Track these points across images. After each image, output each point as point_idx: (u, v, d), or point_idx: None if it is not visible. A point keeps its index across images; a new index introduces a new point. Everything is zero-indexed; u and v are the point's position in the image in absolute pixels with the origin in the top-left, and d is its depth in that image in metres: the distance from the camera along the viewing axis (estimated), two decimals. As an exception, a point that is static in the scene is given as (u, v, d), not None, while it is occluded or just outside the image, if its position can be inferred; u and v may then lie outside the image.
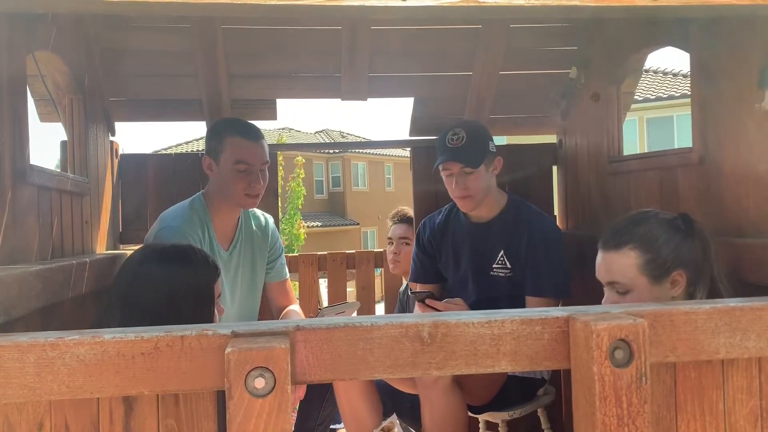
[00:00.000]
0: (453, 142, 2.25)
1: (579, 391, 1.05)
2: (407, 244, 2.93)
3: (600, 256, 1.63)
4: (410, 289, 2.93)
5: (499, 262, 2.31)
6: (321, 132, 27.95)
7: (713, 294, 1.54)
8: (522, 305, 2.25)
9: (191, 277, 1.56)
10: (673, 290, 1.54)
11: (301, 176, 15.65)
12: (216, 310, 1.64)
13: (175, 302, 1.50)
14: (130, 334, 0.99)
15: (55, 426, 1.02)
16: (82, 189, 2.32)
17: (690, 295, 1.55)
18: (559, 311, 1.08)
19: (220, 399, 0.99)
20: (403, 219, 3.01)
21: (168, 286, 1.52)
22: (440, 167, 2.29)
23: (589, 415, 1.02)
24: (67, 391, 0.98)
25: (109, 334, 0.99)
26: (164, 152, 16.56)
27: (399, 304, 3.10)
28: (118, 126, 2.79)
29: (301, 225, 15.36)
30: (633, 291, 1.56)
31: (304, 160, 16.07)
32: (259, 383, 0.94)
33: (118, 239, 2.81)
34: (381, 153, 26.43)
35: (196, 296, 1.55)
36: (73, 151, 2.38)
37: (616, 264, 1.58)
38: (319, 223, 23.28)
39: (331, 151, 25.38)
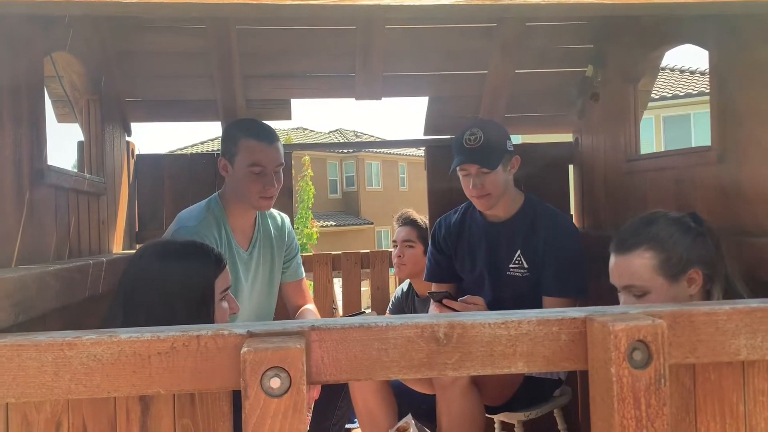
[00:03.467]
0: (470, 143, 2.23)
1: (596, 393, 1.04)
2: (411, 246, 2.89)
3: (613, 261, 1.61)
4: (416, 292, 2.92)
5: (516, 261, 2.30)
6: (335, 131, 27.99)
7: (730, 292, 1.52)
8: (538, 305, 2.24)
9: (184, 273, 1.54)
10: (690, 288, 1.52)
11: (310, 175, 15.65)
12: (227, 305, 1.62)
13: (169, 298, 1.49)
14: (147, 333, 1.00)
15: (72, 425, 1.03)
16: (99, 189, 2.33)
17: (707, 294, 1.53)
18: (576, 312, 1.07)
19: (236, 399, 0.99)
20: (407, 221, 2.96)
21: (161, 282, 1.51)
22: (457, 168, 2.28)
23: (607, 417, 1.01)
24: (84, 391, 0.99)
25: (125, 334, 1.00)
26: (180, 152, 16.66)
27: (393, 305, 3.04)
28: (134, 126, 2.82)
29: (314, 224, 15.38)
30: (651, 293, 1.54)
31: (310, 159, 16.04)
32: (275, 383, 0.94)
33: (135, 239, 2.83)
34: (395, 152, 26.40)
35: (190, 292, 1.53)
36: (89, 152, 2.40)
37: (631, 267, 1.56)
38: (333, 223, 23.31)
39: (345, 150, 25.41)
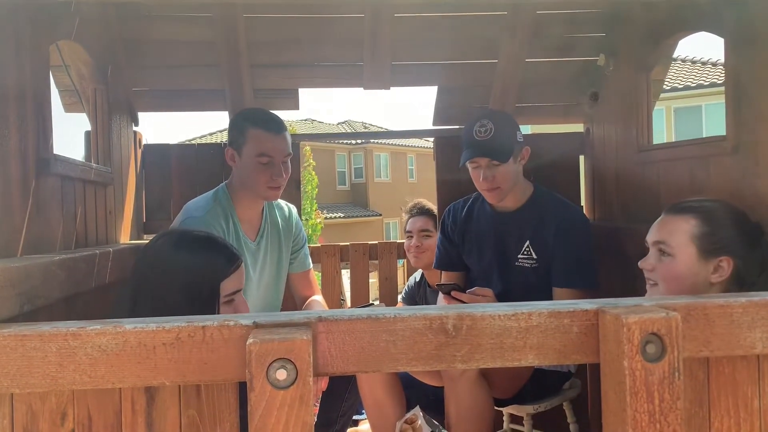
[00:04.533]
0: (480, 135, 2.21)
1: (608, 386, 1.02)
2: (428, 236, 2.89)
3: (659, 218, 1.62)
4: (428, 283, 2.91)
5: (525, 252, 2.28)
6: (343, 123, 27.98)
7: None
8: (548, 297, 2.22)
9: (190, 266, 1.51)
10: (714, 275, 1.49)
11: (312, 165, 15.56)
12: (236, 307, 1.56)
13: (173, 290, 1.46)
14: (152, 324, 0.99)
15: (77, 416, 1.02)
16: (106, 179, 2.33)
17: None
18: (588, 304, 1.06)
19: (243, 390, 0.98)
20: (422, 211, 2.96)
21: (169, 272, 1.49)
22: (467, 160, 2.26)
23: (619, 411, 0.99)
24: (89, 381, 0.98)
25: (130, 324, 0.99)
26: (188, 143, 16.64)
27: (406, 294, 3.04)
28: (141, 116, 2.81)
29: (318, 214, 15.33)
30: (675, 257, 1.52)
31: (311, 150, 15.94)
32: (281, 375, 0.93)
33: (142, 229, 2.82)
34: (403, 144, 26.36)
35: (192, 287, 1.49)
36: (96, 141, 2.39)
37: (671, 224, 1.56)
38: (342, 214, 23.32)
39: (353, 141, 25.38)
